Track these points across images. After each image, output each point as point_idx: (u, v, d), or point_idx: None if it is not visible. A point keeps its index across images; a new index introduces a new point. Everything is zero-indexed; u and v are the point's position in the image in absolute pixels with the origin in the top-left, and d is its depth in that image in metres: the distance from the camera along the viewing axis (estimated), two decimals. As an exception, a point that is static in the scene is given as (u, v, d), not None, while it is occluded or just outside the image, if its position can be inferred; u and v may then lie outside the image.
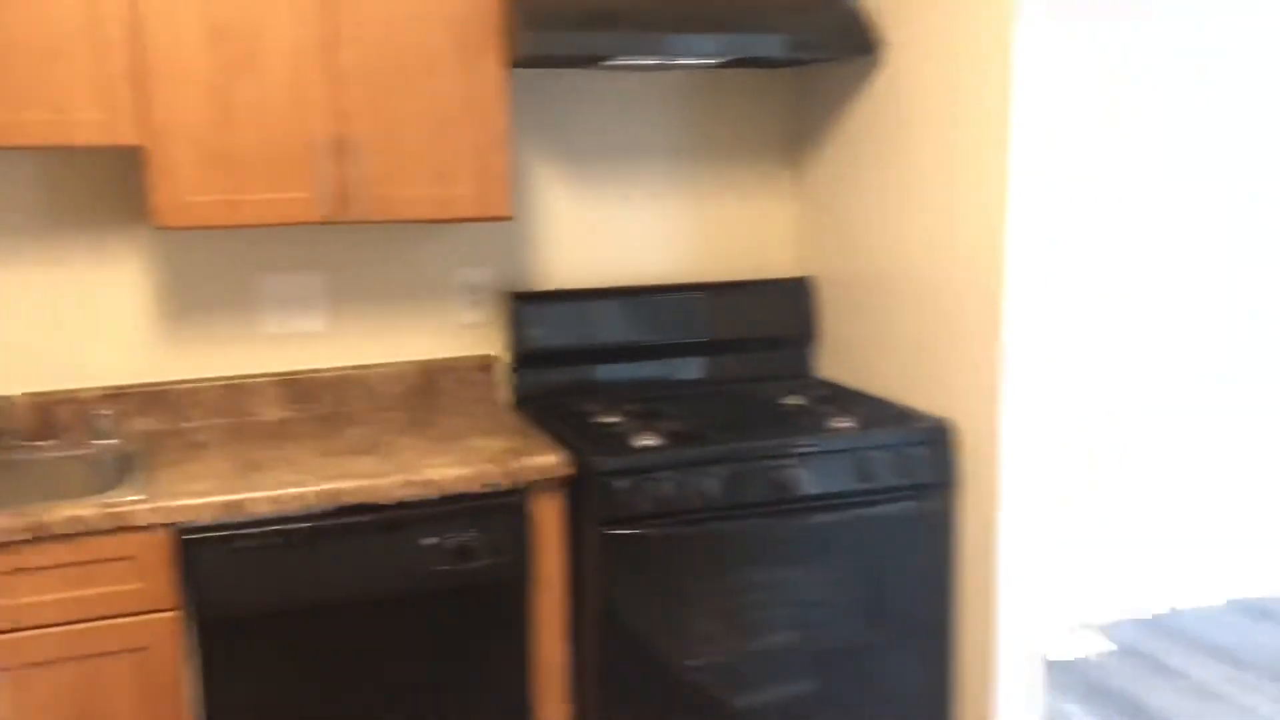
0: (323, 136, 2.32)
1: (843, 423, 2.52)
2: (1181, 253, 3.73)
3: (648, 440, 2.36)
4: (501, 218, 2.46)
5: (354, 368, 2.74)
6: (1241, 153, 3.75)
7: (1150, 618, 3.81)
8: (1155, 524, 3.83)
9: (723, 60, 2.64)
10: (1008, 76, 2.29)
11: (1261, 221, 3.83)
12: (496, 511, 2.25)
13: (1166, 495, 3.84)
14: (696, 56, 2.55)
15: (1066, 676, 3.39)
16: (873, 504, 2.48)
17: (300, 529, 2.13)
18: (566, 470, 2.30)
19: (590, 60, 2.60)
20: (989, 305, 2.39)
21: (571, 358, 2.83)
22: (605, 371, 2.87)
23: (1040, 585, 2.50)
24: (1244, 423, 3.90)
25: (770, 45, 2.55)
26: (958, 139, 2.44)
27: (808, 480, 2.42)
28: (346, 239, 2.72)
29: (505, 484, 2.25)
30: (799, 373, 3.05)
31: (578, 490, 2.32)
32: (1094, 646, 3.58)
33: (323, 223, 2.34)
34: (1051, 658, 3.50)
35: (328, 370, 2.72)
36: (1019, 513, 2.43)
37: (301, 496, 2.11)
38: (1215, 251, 3.78)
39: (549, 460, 2.28)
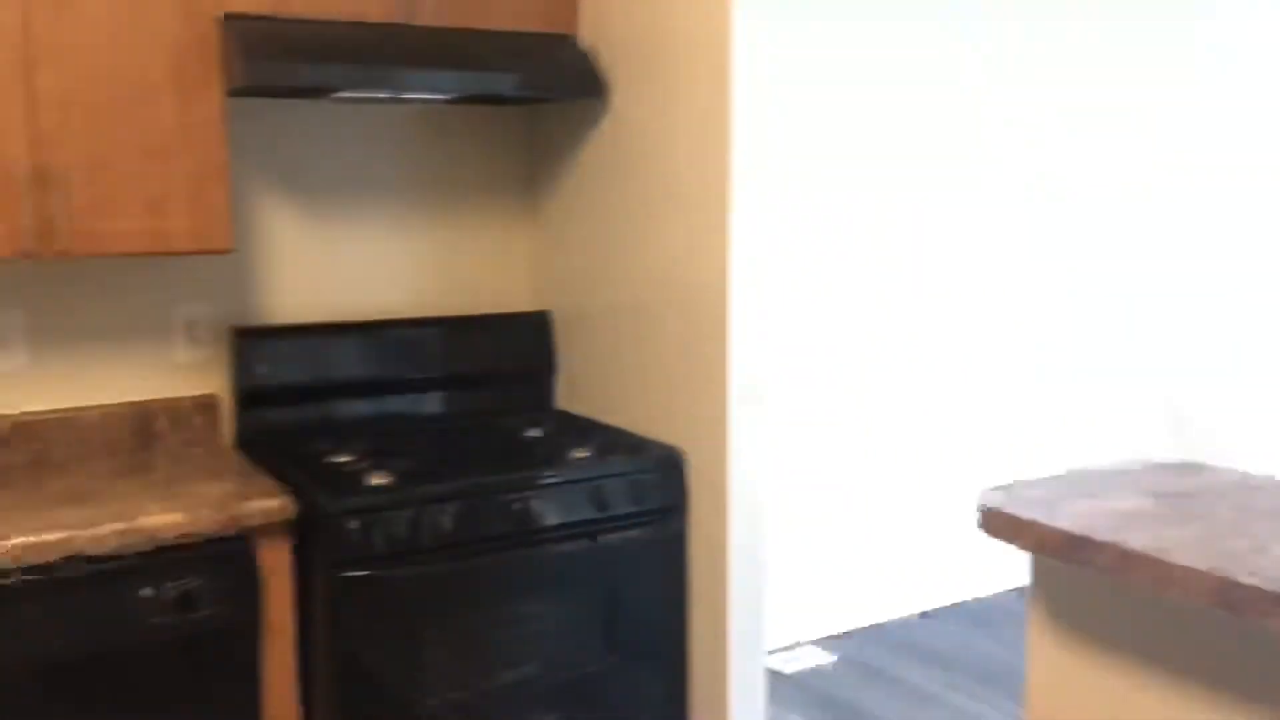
0: (23, 166, 2.17)
1: (579, 453, 2.56)
2: (895, 277, 4.02)
3: (381, 478, 2.33)
4: (221, 251, 2.37)
5: (62, 411, 2.56)
6: (960, 169, 4.10)
7: (870, 627, 4.06)
8: (875, 535, 4.10)
9: (455, 96, 2.65)
10: (726, 121, 2.41)
11: (966, 244, 4.18)
12: (219, 559, 2.16)
13: (884, 507, 4.11)
14: (426, 92, 2.55)
15: (791, 690, 3.56)
16: (609, 532, 2.53)
17: (1, 587, 1.97)
18: (294, 513, 2.23)
19: (317, 92, 2.56)
20: (714, 336, 2.50)
21: (302, 395, 2.75)
22: (339, 409, 2.81)
23: (767, 603, 2.62)
24: (960, 437, 4.24)
25: (501, 83, 2.59)
26: (681, 177, 2.55)
27: (545, 512, 2.44)
28: (53, 273, 2.55)
29: (228, 530, 2.16)
30: (538, 406, 3.08)
31: (307, 533, 2.26)
32: (817, 659, 3.78)
33: (24, 258, 2.19)
34: (777, 672, 3.66)
35: (31, 414, 2.53)
36: (746, 534, 2.54)
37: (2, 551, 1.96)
38: (928, 272, 4.10)
39: (274, 503, 2.20)
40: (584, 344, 2.97)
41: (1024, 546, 1.67)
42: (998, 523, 1.71)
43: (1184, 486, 1.80)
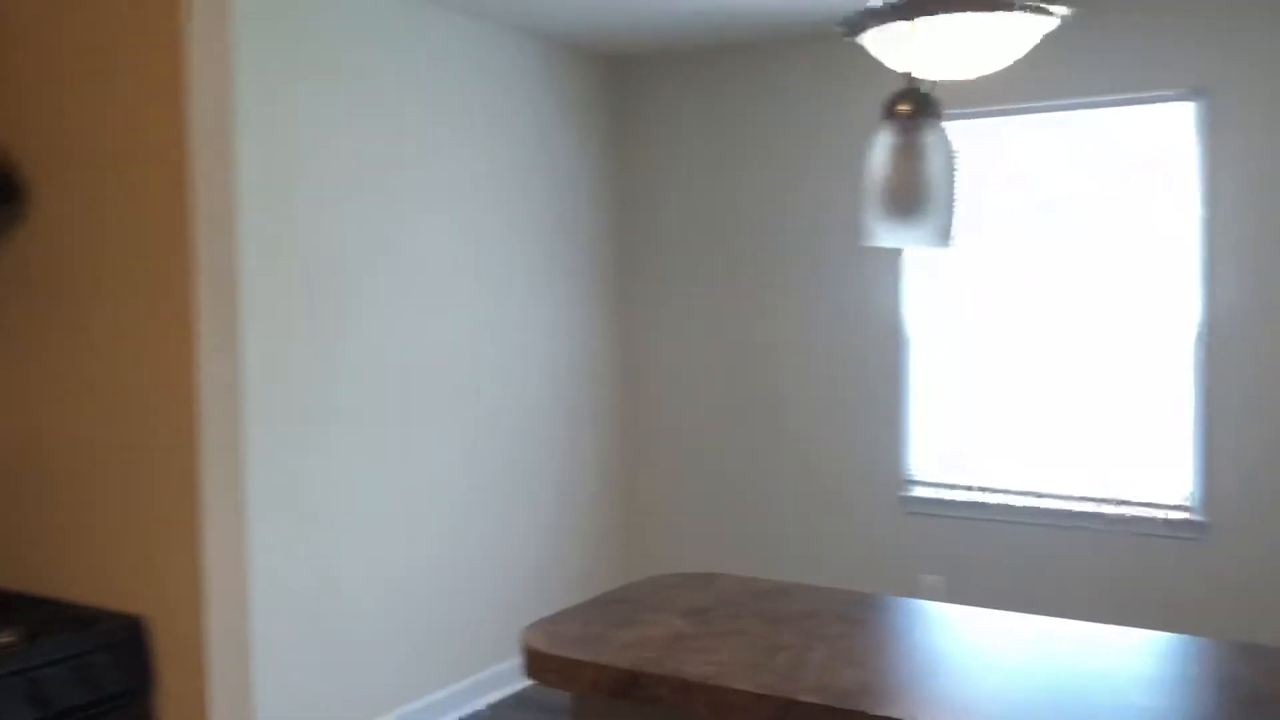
0: None
1: (3, 639, 2.08)
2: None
3: None
4: None
5: None
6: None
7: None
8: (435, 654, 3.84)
9: None
10: (186, 229, 2.12)
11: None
12: None
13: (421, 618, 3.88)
14: None
15: None
16: (52, 733, 2.07)
17: None
18: None
19: None
20: (180, 475, 2.17)
21: None
22: None
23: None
24: (442, 567, 4.12)
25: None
26: (131, 296, 2.21)
27: (-43, 724, 1.93)
28: None
29: None
30: (-67, 581, 2.48)
31: None
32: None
33: None
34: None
35: None
36: (231, 711, 2.21)
37: None
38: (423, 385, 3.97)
39: None
40: (2, 498, 2.44)
41: (579, 690, 1.58)
42: (546, 667, 1.60)
43: (706, 601, 1.83)
